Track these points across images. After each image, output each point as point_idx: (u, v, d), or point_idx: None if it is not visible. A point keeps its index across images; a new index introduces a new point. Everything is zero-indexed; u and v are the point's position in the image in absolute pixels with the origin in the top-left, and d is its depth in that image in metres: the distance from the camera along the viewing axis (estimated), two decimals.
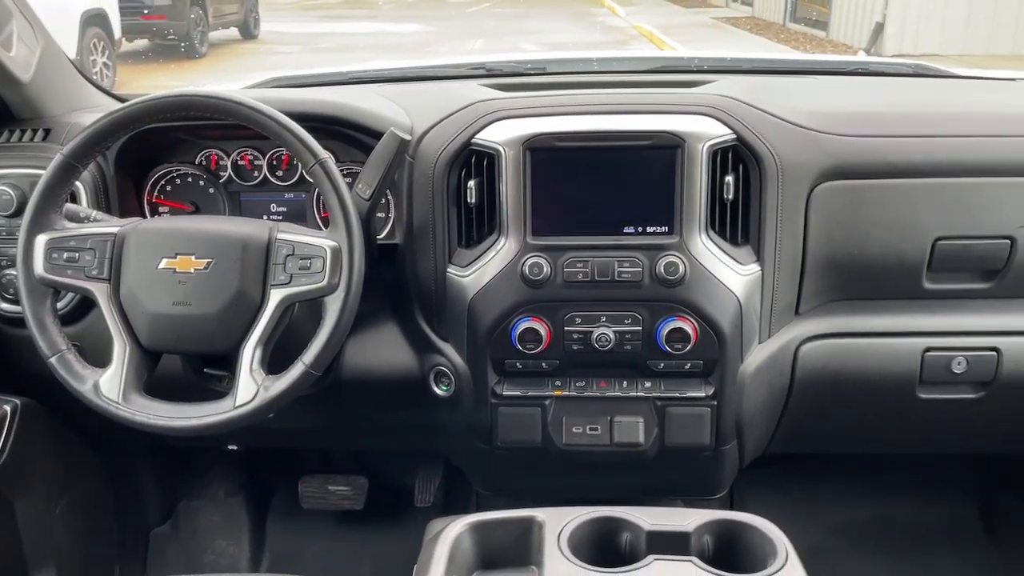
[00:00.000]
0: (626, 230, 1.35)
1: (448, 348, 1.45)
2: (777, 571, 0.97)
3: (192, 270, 1.24)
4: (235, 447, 1.93)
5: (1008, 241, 1.39)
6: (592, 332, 1.36)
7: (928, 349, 1.45)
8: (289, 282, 1.22)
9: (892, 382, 1.46)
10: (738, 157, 1.36)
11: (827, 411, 1.52)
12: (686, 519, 1.04)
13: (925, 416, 1.53)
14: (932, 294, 1.44)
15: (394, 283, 1.48)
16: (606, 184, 1.35)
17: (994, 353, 1.45)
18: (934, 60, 1.96)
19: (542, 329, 1.36)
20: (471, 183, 1.36)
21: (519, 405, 1.43)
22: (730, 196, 1.35)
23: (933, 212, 1.38)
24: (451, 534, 1.07)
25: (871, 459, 2.01)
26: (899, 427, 1.58)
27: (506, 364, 1.41)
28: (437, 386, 1.47)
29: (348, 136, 1.48)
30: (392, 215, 1.54)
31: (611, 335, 1.36)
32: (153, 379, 1.29)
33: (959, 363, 1.45)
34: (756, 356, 1.41)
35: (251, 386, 1.22)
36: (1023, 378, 1.45)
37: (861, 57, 3.37)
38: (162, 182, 1.59)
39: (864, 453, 1.90)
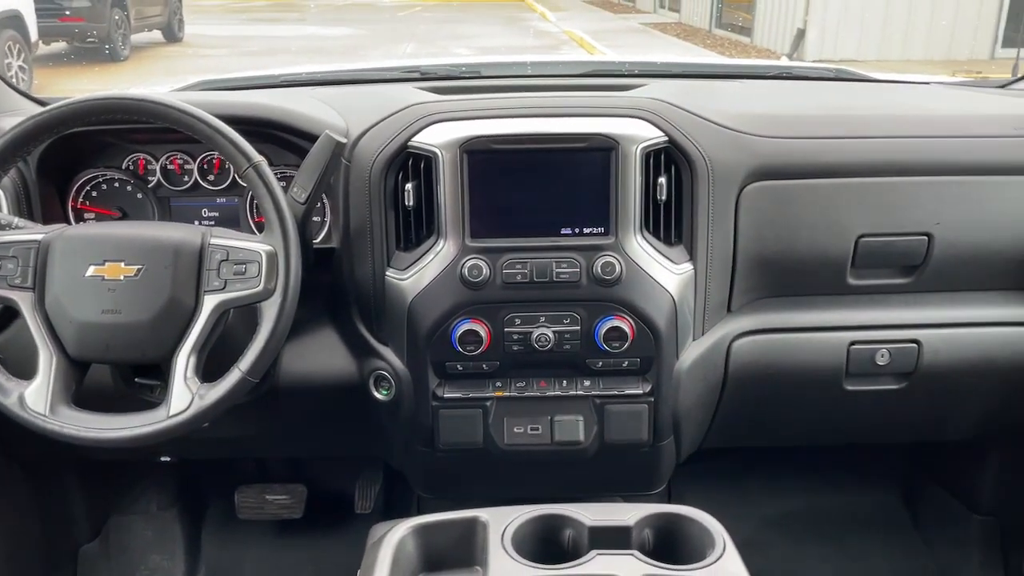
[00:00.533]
0: (563, 231, 1.37)
1: (388, 352, 1.45)
2: (715, 561, 0.99)
3: (122, 277, 1.20)
4: (168, 458, 1.89)
5: (926, 237, 1.45)
6: (532, 333, 1.37)
7: (853, 343, 1.50)
8: (223, 288, 1.20)
9: (820, 375, 1.52)
10: (670, 159, 1.39)
11: (759, 405, 1.57)
12: (627, 514, 1.06)
13: (852, 408, 1.58)
14: (856, 290, 1.49)
15: (332, 287, 1.47)
16: (543, 186, 1.36)
17: (915, 345, 1.51)
18: (853, 65, 2.04)
19: (482, 331, 1.37)
20: (408, 186, 1.36)
21: (460, 407, 1.43)
22: (663, 197, 1.38)
23: (856, 210, 1.44)
24: (394, 537, 1.06)
25: (802, 451, 2.07)
26: (828, 419, 1.64)
27: (447, 366, 1.41)
28: (377, 390, 1.46)
29: (281, 139, 1.47)
30: (328, 219, 1.53)
31: (550, 335, 1.37)
32: (82, 390, 1.25)
33: (882, 355, 1.51)
34: (691, 353, 1.44)
35: (185, 395, 1.19)
36: (942, 368, 1.52)
37: (784, 62, 3.48)
38: (87, 188, 1.54)
39: (796, 446, 1.97)
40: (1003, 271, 1.50)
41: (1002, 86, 1.81)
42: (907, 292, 1.51)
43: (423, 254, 1.38)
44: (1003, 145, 1.47)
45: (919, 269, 1.48)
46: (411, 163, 1.37)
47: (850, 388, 1.53)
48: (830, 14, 10.90)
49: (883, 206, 1.44)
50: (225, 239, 1.23)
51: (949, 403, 1.61)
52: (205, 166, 1.54)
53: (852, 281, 1.48)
